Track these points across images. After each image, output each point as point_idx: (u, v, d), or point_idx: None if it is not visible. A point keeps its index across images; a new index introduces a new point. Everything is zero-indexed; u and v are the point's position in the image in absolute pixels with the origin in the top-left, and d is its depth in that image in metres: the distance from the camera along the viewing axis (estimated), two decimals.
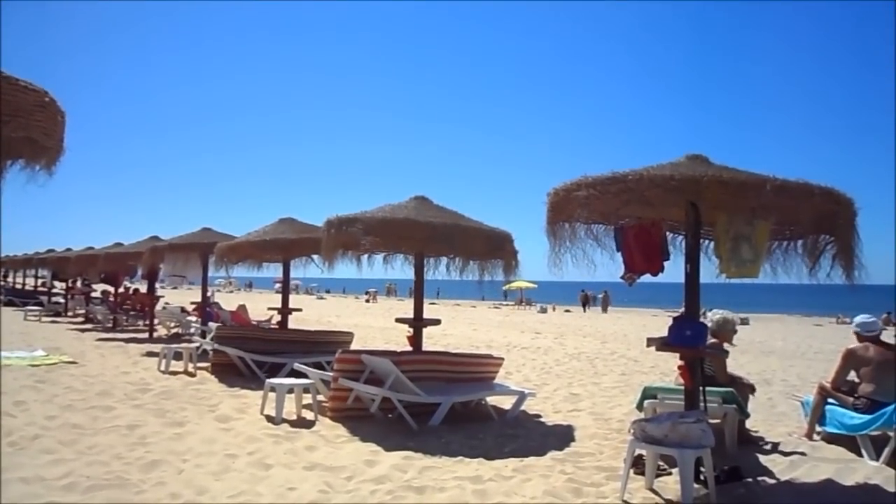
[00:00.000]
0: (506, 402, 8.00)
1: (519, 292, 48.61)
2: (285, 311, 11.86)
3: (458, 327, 23.32)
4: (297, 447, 5.95)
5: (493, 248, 7.83)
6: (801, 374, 12.32)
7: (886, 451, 5.83)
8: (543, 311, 40.01)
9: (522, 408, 7.83)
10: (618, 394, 9.46)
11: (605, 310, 41.95)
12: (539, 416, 7.82)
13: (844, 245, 5.08)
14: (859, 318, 6.67)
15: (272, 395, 7.20)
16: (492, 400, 8.00)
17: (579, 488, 4.98)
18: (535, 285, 47.27)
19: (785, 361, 14.92)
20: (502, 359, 8.98)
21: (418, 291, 8.52)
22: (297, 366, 8.42)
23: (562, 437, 6.73)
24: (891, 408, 5.81)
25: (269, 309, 13.58)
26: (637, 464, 5.21)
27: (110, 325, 18.11)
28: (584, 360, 14.01)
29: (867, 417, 6.05)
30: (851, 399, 6.36)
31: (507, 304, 48.52)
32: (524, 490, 4.94)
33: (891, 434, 5.87)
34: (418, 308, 8.39)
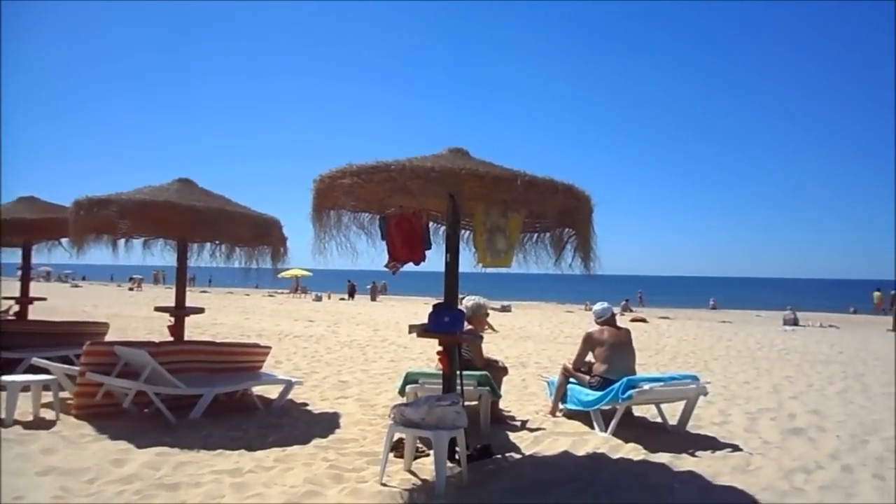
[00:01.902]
0: (273, 392, 7.87)
1: (294, 280, 47.84)
2: (25, 300, 10.65)
3: (230, 316, 22.49)
4: (30, 451, 5.36)
5: (261, 233, 7.62)
6: (553, 357, 13.42)
7: (613, 423, 6.57)
8: (318, 299, 39.73)
9: (289, 396, 7.74)
10: (385, 380, 9.67)
11: (373, 298, 42.61)
12: (306, 404, 7.78)
13: (583, 238, 5.58)
14: (596, 306, 7.44)
15: (3, 394, 6.42)
16: (259, 390, 7.83)
17: (340, 474, 5.04)
18: (311, 273, 46.82)
19: (539, 345, 16.19)
20: (269, 347, 8.79)
21: (181, 278, 8.09)
22: (37, 360, 7.60)
23: (327, 424, 6.75)
24: (617, 384, 6.54)
25: (6, 298, 12.08)
26: (397, 447, 5.37)
27: None
28: (356, 347, 14.15)
29: (599, 394, 6.76)
30: (588, 378, 7.06)
31: (281, 292, 47.53)
32: (285, 479, 4.89)
33: (618, 408, 6.62)
34: (180, 296, 7.97)
